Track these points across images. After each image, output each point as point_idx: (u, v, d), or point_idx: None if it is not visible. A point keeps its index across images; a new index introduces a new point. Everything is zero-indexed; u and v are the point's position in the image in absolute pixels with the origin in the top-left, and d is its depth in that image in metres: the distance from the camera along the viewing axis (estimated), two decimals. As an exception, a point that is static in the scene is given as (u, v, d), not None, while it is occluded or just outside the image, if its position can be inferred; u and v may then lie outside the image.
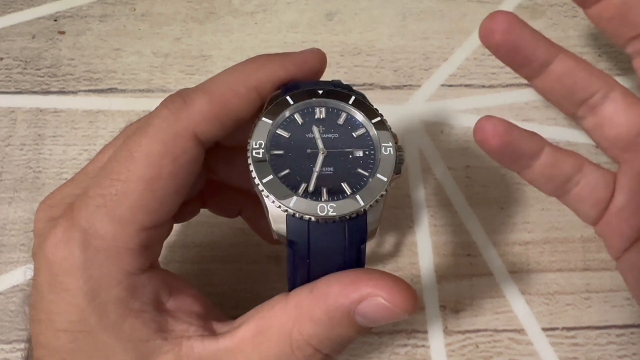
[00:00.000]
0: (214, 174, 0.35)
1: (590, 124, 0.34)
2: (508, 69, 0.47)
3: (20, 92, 0.47)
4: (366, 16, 0.50)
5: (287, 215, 0.27)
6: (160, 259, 0.32)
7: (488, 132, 0.31)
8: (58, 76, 0.47)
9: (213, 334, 0.28)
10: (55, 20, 0.49)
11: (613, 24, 0.33)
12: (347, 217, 0.27)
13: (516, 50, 0.32)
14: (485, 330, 0.40)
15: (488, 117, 0.31)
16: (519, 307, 0.40)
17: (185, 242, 0.42)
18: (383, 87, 0.47)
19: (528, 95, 0.46)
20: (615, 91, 0.33)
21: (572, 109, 0.34)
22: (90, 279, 0.26)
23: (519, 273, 0.41)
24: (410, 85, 0.47)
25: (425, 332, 0.40)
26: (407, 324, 0.40)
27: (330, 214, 0.27)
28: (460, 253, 0.42)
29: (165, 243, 0.33)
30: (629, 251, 0.32)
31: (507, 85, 0.47)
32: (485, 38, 0.32)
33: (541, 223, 0.43)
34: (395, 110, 0.46)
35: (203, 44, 0.49)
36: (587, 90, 0.33)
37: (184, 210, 0.35)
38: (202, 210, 0.37)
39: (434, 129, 0.46)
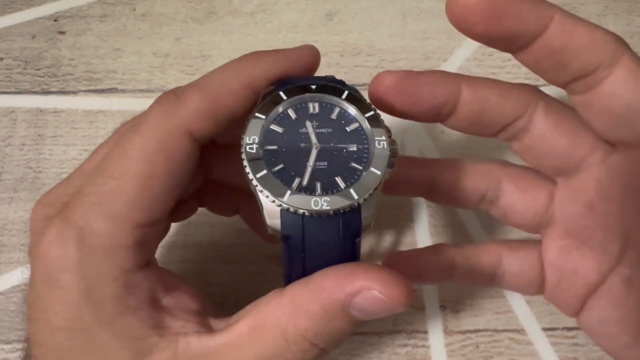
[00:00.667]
0: (210, 173, 0.35)
1: (497, 215, 0.34)
2: (508, 69, 0.47)
3: (20, 92, 0.47)
4: (366, 16, 0.50)
5: (281, 210, 0.27)
6: (160, 258, 0.32)
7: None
8: (58, 76, 0.47)
9: (210, 330, 0.28)
10: (55, 20, 0.49)
11: (548, 68, 0.28)
12: (342, 211, 0.27)
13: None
14: (486, 330, 0.40)
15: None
16: (519, 307, 0.40)
17: (186, 242, 0.42)
18: (383, 87, 0.47)
19: (528, 94, 0.46)
20: (505, 182, 0.33)
21: (474, 207, 0.34)
22: (85, 277, 0.26)
23: (519, 273, 0.41)
24: (411, 85, 0.47)
25: (426, 332, 0.40)
26: (407, 324, 0.40)
27: (324, 208, 0.26)
28: (461, 253, 0.42)
29: (165, 243, 0.33)
30: (582, 314, 0.32)
31: (507, 85, 0.47)
32: None
33: (541, 222, 0.42)
34: (395, 110, 0.46)
35: (203, 44, 0.49)
36: (477, 194, 0.33)
37: (181, 209, 0.35)
38: (202, 210, 0.37)
39: (434, 129, 0.46)
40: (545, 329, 0.40)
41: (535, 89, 0.31)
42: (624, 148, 0.29)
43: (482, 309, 0.40)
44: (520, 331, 0.40)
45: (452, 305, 0.40)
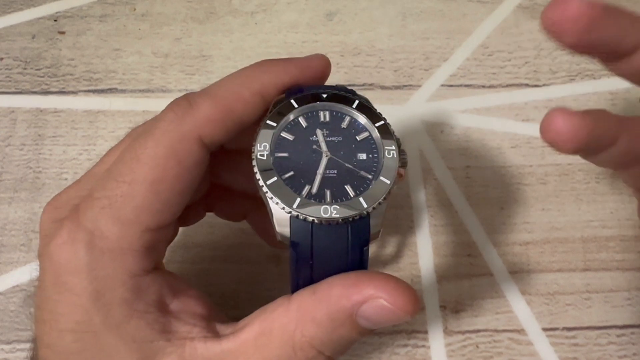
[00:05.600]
0: (219, 179, 0.35)
1: None
2: (508, 69, 0.47)
3: (20, 92, 0.47)
4: (366, 16, 0.50)
5: (290, 216, 0.27)
6: (161, 259, 0.32)
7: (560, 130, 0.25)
8: (58, 76, 0.47)
9: (216, 335, 0.28)
10: (55, 20, 0.49)
11: None
12: (350, 219, 0.27)
13: None
14: (486, 330, 0.40)
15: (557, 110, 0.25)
16: (519, 307, 0.40)
17: (186, 243, 0.42)
18: (383, 87, 0.47)
19: (528, 95, 0.46)
20: None
21: None
22: (94, 280, 0.26)
23: (519, 273, 0.41)
24: (411, 85, 0.47)
25: (426, 332, 0.40)
26: (407, 324, 0.40)
27: (333, 215, 0.27)
28: (461, 253, 0.42)
29: (166, 243, 0.33)
30: None
31: (507, 85, 0.47)
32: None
33: (541, 223, 0.43)
34: (396, 111, 0.46)
35: (203, 44, 0.49)
36: None
37: (189, 214, 0.35)
38: (203, 212, 0.38)
39: (434, 129, 0.46)
40: (545, 329, 0.40)
41: None
42: None
43: (482, 309, 0.40)
44: (520, 331, 0.40)
45: (452, 305, 0.41)
